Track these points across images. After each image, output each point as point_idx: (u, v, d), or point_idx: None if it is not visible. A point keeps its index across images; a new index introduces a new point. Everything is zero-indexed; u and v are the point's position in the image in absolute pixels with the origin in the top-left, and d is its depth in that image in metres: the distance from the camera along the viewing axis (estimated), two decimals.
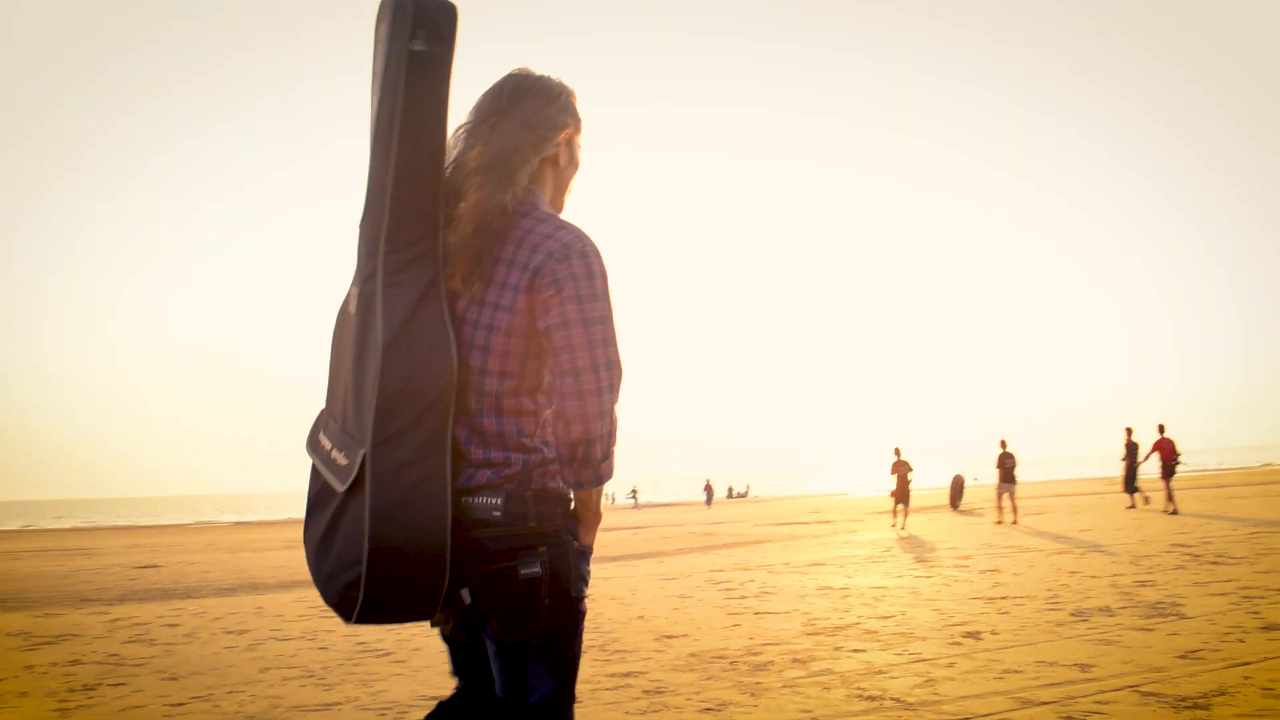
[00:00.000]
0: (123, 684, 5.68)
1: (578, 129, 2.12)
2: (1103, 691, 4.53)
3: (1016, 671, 5.08)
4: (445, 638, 2.11)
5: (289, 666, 6.16)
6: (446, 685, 5.44)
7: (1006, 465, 20.07)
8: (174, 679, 5.81)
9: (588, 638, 6.89)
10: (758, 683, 5.14)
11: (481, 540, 1.87)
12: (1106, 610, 6.90)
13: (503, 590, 1.88)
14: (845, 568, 11.51)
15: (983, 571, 10.15)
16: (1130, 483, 21.55)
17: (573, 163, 2.14)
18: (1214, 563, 9.51)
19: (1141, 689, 4.53)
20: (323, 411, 2.09)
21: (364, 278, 1.91)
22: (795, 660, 5.70)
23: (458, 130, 2.03)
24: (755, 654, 5.95)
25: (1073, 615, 6.78)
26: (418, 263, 1.88)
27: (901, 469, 20.02)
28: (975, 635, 6.21)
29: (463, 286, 1.91)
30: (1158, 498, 21.15)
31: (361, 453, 1.81)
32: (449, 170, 1.98)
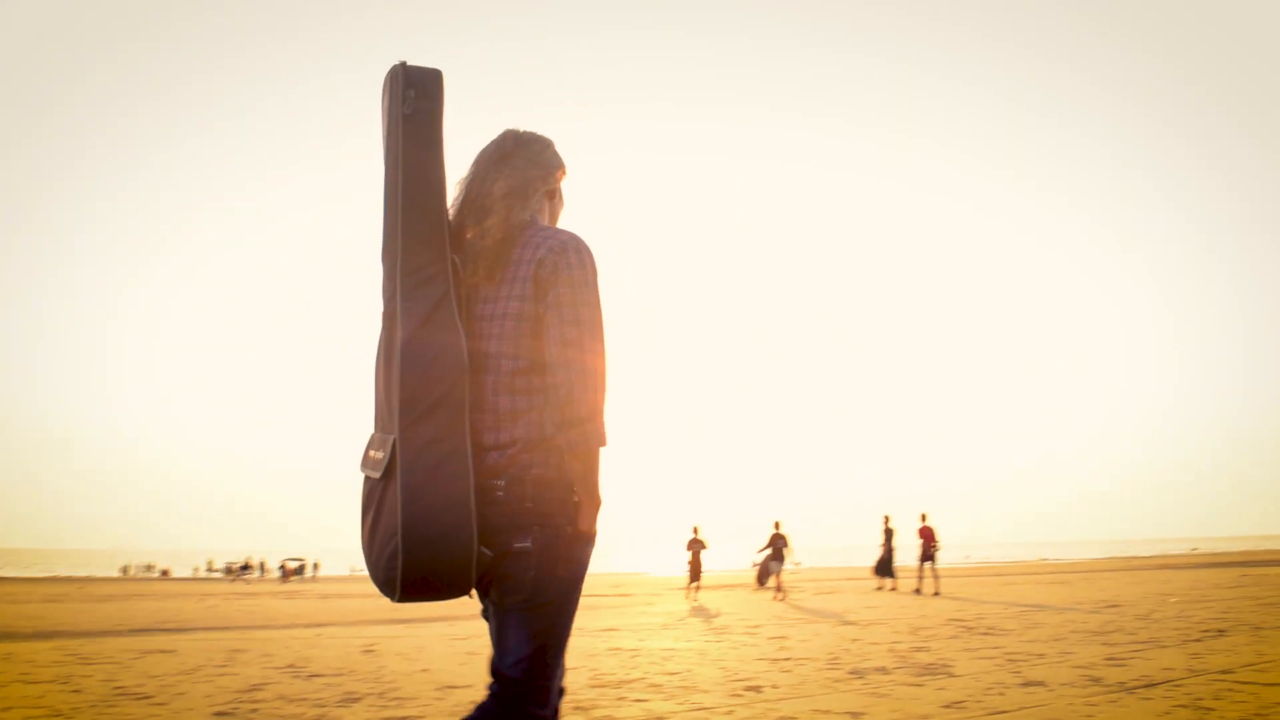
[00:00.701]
0: None
1: (565, 171, 2.55)
2: None
3: (792, 718, 5.16)
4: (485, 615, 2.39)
5: (34, 707, 5.69)
6: None
7: (777, 545, 21.29)
8: None
9: (364, 686, 6.68)
10: None
11: (486, 517, 2.17)
12: (882, 670, 7.11)
13: (500, 562, 2.19)
14: (638, 633, 11.52)
15: (770, 638, 10.32)
16: (886, 567, 22.98)
17: (562, 199, 2.58)
18: (985, 634, 9.96)
19: None
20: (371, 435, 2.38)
21: (387, 299, 2.28)
22: (577, 708, 5.62)
23: (474, 170, 2.44)
24: None
25: (850, 673, 6.96)
26: (430, 281, 2.23)
27: (696, 546, 21.11)
28: (756, 689, 6.29)
29: (485, 280, 2.29)
30: (912, 582, 22.27)
31: (392, 439, 2.14)
32: (475, 197, 2.38)
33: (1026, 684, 6.18)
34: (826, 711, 5.33)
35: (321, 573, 61.77)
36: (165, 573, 64.20)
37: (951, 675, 6.69)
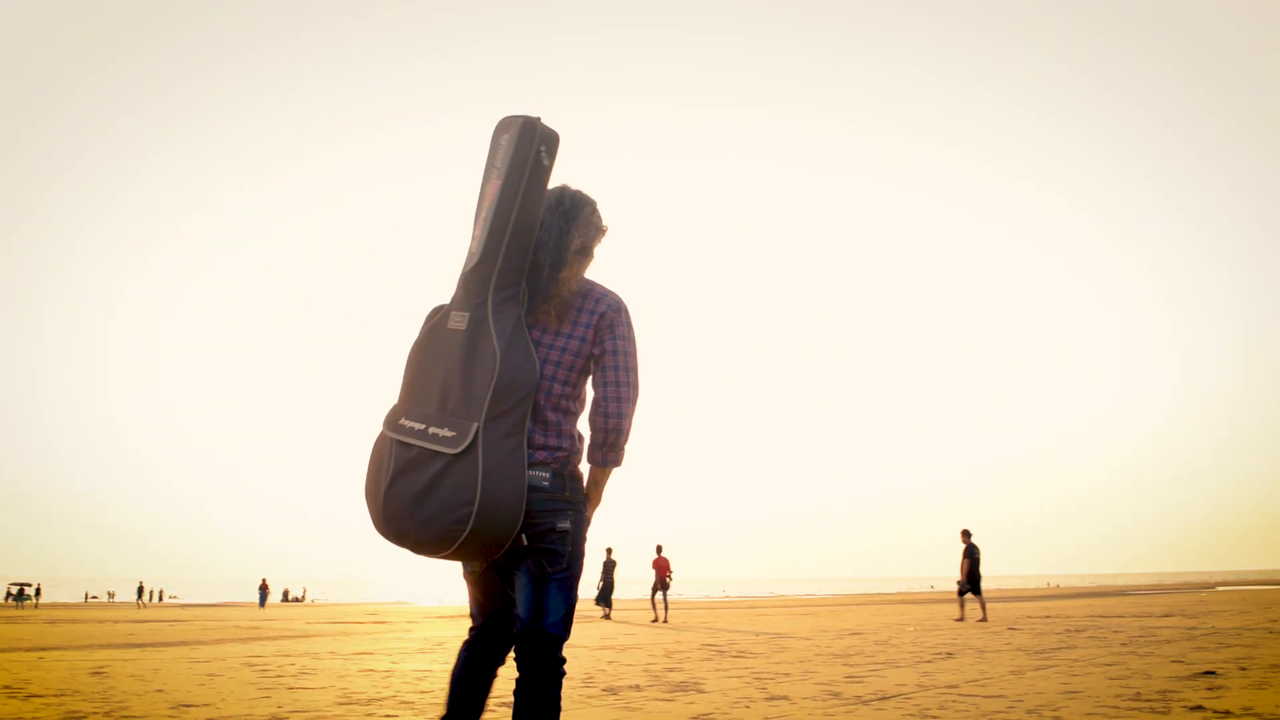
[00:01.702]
0: None
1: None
2: None
3: None
4: (471, 576, 2.93)
5: None
6: None
7: None
8: None
9: (89, 706, 6.29)
10: None
11: (532, 501, 2.71)
12: (635, 687, 7.21)
13: (543, 538, 2.73)
14: (393, 656, 11.24)
15: None
16: (604, 596, 24.00)
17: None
18: (736, 657, 10.27)
19: None
20: (395, 407, 2.86)
21: (474, 305, 2.78)
22: None
23: (554, 215, 2.92)
24: None
25: (604, 691, 7.02)
26: (510, 300, 2.79)
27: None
28: (509, 705, 6.23)
29: (554, 321, 2.85)
30: (648, 612, 22.86)
31: (474, 426, 2.63)
32: (549, 242, 2.87)
33: (771, 698, 6.41)
34: None
35: (45, 598, 57.29)
36: None
37: (701, 691, 6.85)
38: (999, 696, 6.29)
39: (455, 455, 2.62)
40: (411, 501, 2.66)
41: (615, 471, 2.95)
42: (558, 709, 2.74)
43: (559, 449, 2.79)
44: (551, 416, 2.80)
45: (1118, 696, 6.12)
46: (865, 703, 6.11)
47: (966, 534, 19.91)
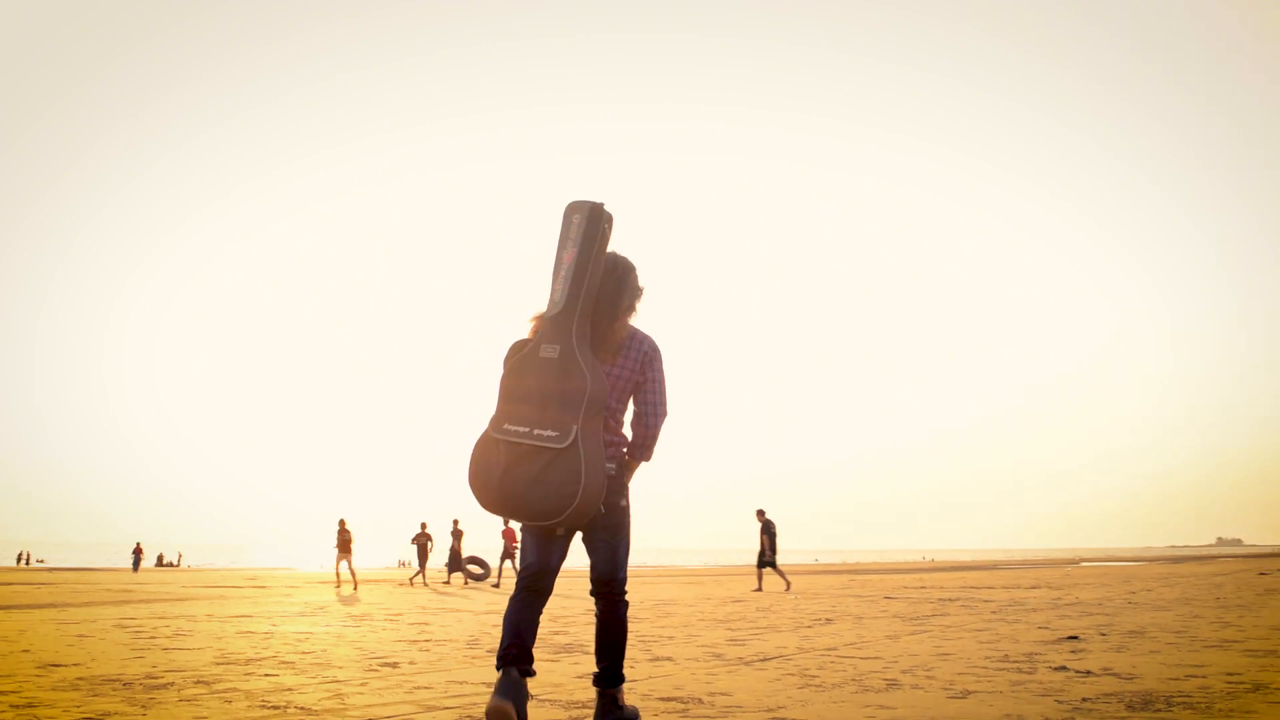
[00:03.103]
0: None
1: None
2: None
3: (427, 688, 5.14)
4: (547, 536, 3.83)
5: None
6: None
7: (344, 538, 22.52)
8: None
9: None
10: (151, 698, 4.72)
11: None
12: None
13: (612, 513, 3.85)
14: (273, 619, 11.04)
15: (411, 624, 10.23)
16: (454, 565, 26.26)
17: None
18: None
19: (539, 699, 4.78)
20: (496, 415, 3.79)
21: (563, 341, 3.76)
22: (199, 682, 5.31)
23: (610, 278, 3.94)
24: (154, 678, 5.46)
25: (488, 652, 7.03)
26: (585, 339, 3.79)
27: (422, 539, 25.83)
28: (393, 665, 6.20)
29: (610, 358, 3.88)
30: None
31: (575, 428, 3.59)
32: (606, 302, 3.90)
33: (655, 659, 6.50)
34: (462, 682, 5.35)
35: None
36: None
37: (586, 653, 6.90)
38: (875, 658, 6.48)
39: (561, 449, 3.58)
40: (526, 485, 3.61)
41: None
42: (626, 627, 4.05)
43: (620, 445, 3.90)
44: (612, 423, 3.88)
45: (987, 658, 6.37)
46: (747, 664, 6.23)
47: (761, 513, 21.48)
